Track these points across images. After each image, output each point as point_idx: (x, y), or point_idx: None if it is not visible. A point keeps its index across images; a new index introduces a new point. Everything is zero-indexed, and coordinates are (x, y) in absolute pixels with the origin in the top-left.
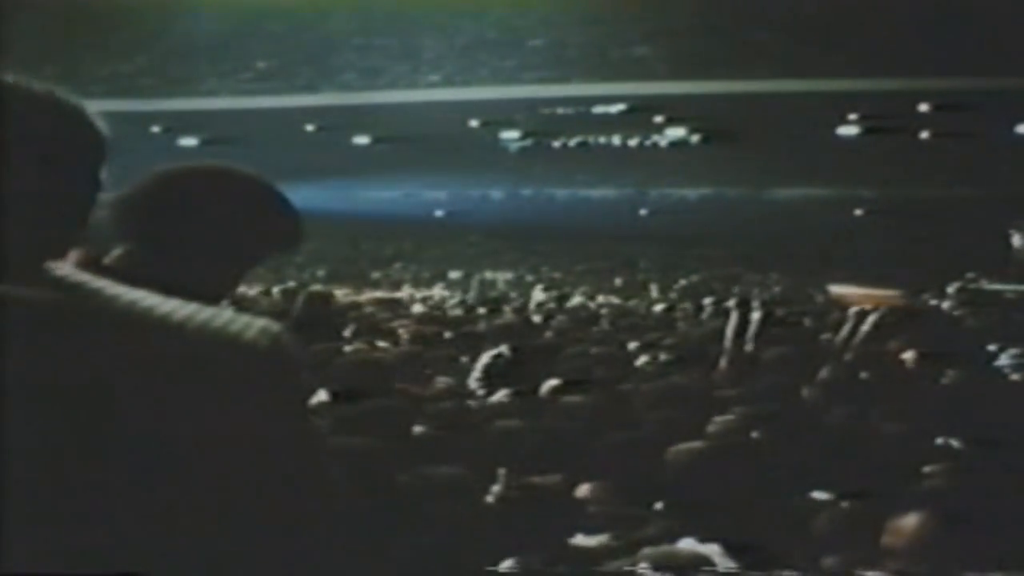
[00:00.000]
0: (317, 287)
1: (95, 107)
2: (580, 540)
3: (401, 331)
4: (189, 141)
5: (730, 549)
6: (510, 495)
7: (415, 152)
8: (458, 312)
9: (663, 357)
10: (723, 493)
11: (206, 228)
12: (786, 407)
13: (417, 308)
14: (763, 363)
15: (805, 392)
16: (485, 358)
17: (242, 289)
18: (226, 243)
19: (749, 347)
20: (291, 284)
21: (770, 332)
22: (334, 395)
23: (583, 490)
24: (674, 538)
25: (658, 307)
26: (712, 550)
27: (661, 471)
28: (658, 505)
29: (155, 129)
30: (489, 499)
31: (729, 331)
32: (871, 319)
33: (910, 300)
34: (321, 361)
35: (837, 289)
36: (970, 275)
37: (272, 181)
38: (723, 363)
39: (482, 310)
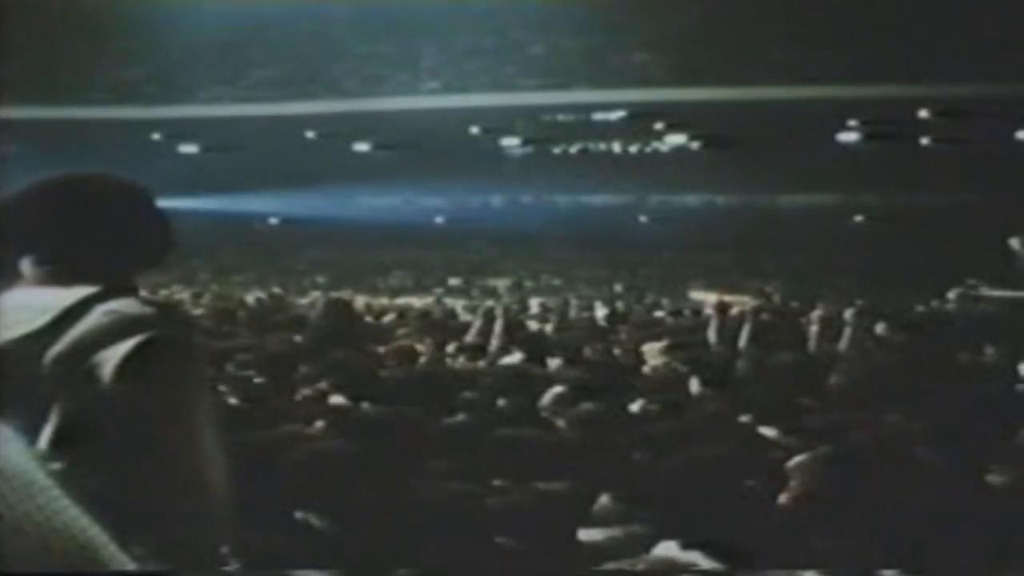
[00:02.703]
0: (336, 294)
1: (97, 114)
2: (580, 542)
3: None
4: (190, 148)
5: (713, 553)
6: (514, 501)
7: (415, 159)
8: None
9: (674, 365)
10: (711, 498)
11: (82, 236)
12: (788, 416)
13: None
14: (766, 371)
15: (808, 400)
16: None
17: (260, 295)
18: (102, 251)
19: (742, 352)
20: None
21: (768, 339)
22: (353, 399)
23: (587, 497)
24: (653, 542)
25: (658, 313)
26: (693, 556)
27: (657, 477)
28: (648, 510)
29: (156, 136)
30: (493, 504)
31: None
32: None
33: (763, 303)
34: (344, 367)
35: (696, 295)
36: (971, 281)
37: (144, 187)
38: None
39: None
